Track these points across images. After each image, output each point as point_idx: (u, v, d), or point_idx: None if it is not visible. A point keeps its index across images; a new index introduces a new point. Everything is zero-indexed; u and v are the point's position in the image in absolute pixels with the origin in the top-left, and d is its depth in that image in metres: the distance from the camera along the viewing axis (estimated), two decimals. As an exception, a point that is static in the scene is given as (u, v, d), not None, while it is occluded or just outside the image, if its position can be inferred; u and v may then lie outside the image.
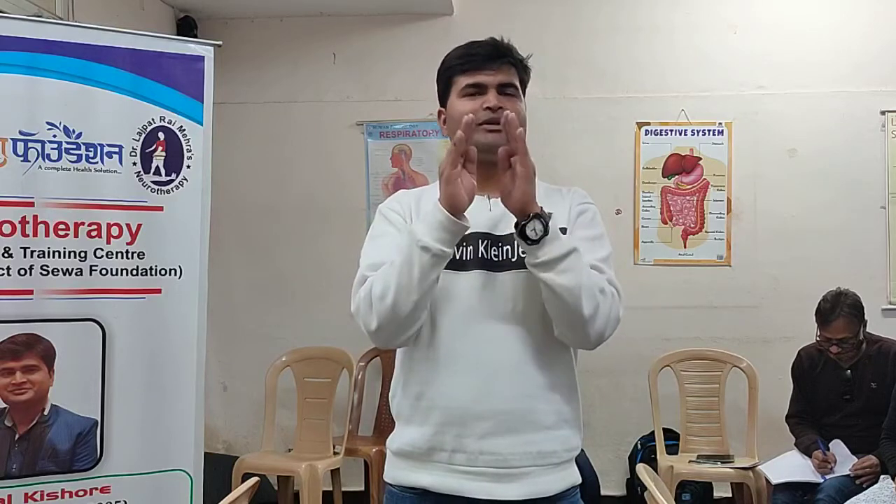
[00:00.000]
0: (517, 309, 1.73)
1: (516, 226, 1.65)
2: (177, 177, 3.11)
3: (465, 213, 1.67)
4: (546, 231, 1.63)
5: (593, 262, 1.75)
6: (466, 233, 1.74)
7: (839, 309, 3.69)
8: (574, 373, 1.82)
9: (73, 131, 2.94)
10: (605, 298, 1.70)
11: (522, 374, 1.73)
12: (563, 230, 1.78)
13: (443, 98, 1.90)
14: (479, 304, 1.73)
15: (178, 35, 4.62)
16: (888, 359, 3.73)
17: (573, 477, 1.82)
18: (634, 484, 4.54)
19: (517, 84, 1.85)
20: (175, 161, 3.11)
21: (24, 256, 2.85)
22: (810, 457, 3.72)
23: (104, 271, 2.98)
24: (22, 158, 2.86)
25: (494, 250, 1.76)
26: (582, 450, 1.85)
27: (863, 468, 3.52)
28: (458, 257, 1.74)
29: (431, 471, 1.75)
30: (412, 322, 1.70)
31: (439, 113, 1.91)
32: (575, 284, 1.64)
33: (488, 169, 1.76)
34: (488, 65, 1.82)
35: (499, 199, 1.78)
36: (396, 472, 1.81)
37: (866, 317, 3.76)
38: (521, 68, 1.87)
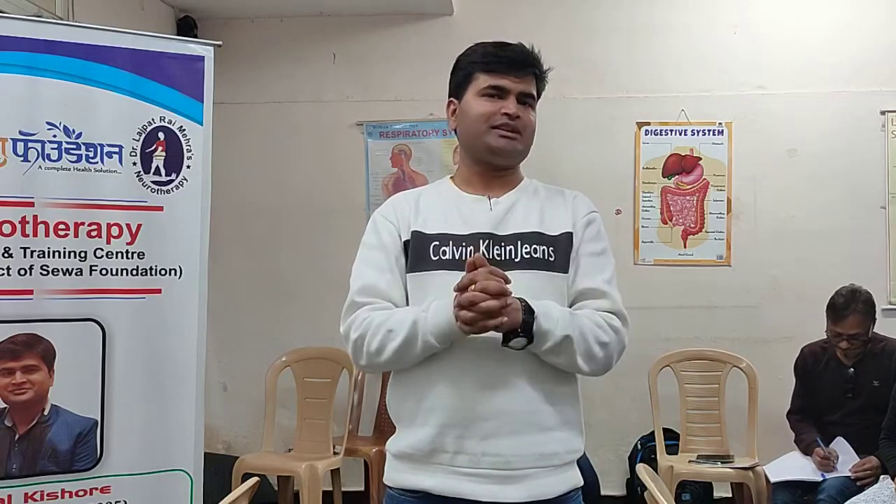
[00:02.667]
0: None
1: (501, 343, 1.68)
2: (177, 177, 3.11)
3: None
4: (531, 339, 1.67)
5: (600, 287, 1.78)
6: (468, 233, 1.74)
7: (854, 305, 3.68)
8: (576, 375, 1.82)
9: (73, 131, 2.93)
10: (607, 349, 1.75)
11: (524, 375, 1.73)
12: (569, 234, 1.80)
13: (457, 89, 1.87)
14: None
15: (178, 35, 4.62)
16: (892, 358, 3.73)
17: (575, 479, 1.82)
18: (634, 484, 4.54)
19: (535, 94, 1.85)
20: (175, 161, 3.11)
21: (24, 256, 2.85)
22: (810, 455, 3.72)
23: (104, 271, 2.98)
24: (22, 158, 2.86)
25: (497, 250, 1.75)
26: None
27: (863, 470, 3.52)
28: (459, 257, 1.74)
29: (433, 473, 1.74)
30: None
31: (449, 103, 1.89)
32: (570, 362, 1.72)
33: (492, 171, 1.77)
34: (514, 71, 1.81)
35: (500, 198, 1.79)
36: (397, 475, 1.81)
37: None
38: (541, 80, 1.88)
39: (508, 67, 1.81)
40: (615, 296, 1.80)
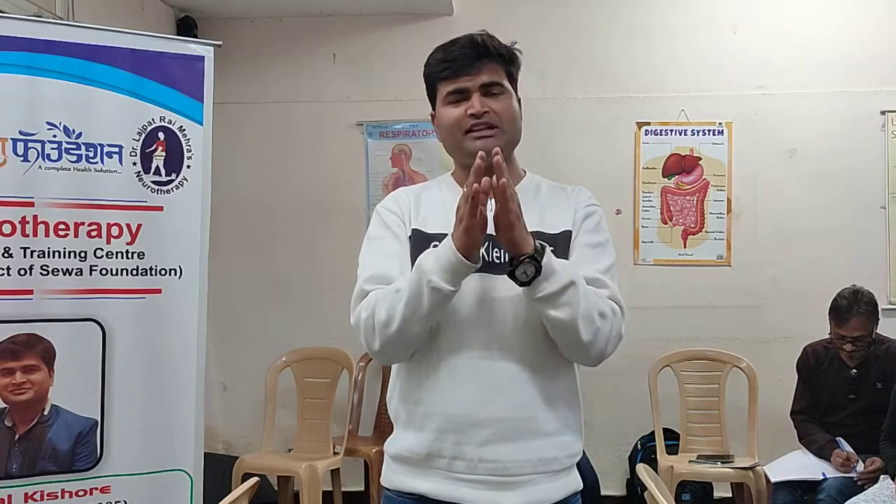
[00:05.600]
0: (518, 314, 1.71)
1: (509, 270, 1.63)
2: (177, 177, 3.11)
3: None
4: (538, 271, 1.61)
5: (595, 275, 1.73)
6: None
7: (857, 307, 3.65)
8: (576, 377, 1.80)
9: (73, 131, 2.93)
10: (606, 322, 1.68)
11: (523, 380, 1.70)
12: (569, 232, 1.78)
13: (431, 100, 1.87)
14: (479, 309, 1.71)
15: (178, 35, 4.62)
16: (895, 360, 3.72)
17: (574, 483, 1.80)
18: (634, 484, 4.54)
19: (502, 80, 1.78)
20: (175, 161, 3.10)
21: (24, 256, 2.85)
22: (824, 457, 3.68)
23: (104, 271, 2.98)
24: (22, 158, 2.85)
25: (496, 251, 1.73)
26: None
27: (870, 471, 3.50)
28: None
29: (430, 477, 1.73)
30: (416, 345, 1.71)
31: (432, 116, 1.88)
32: (571, 317, 1.63)
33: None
34: (467, 69, 1.76)
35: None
36: (394, 477, 1.79)
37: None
38: (507, 60, 1.80)
39: (460, 67, 1.76)
40: (613, 286, 1.75)
